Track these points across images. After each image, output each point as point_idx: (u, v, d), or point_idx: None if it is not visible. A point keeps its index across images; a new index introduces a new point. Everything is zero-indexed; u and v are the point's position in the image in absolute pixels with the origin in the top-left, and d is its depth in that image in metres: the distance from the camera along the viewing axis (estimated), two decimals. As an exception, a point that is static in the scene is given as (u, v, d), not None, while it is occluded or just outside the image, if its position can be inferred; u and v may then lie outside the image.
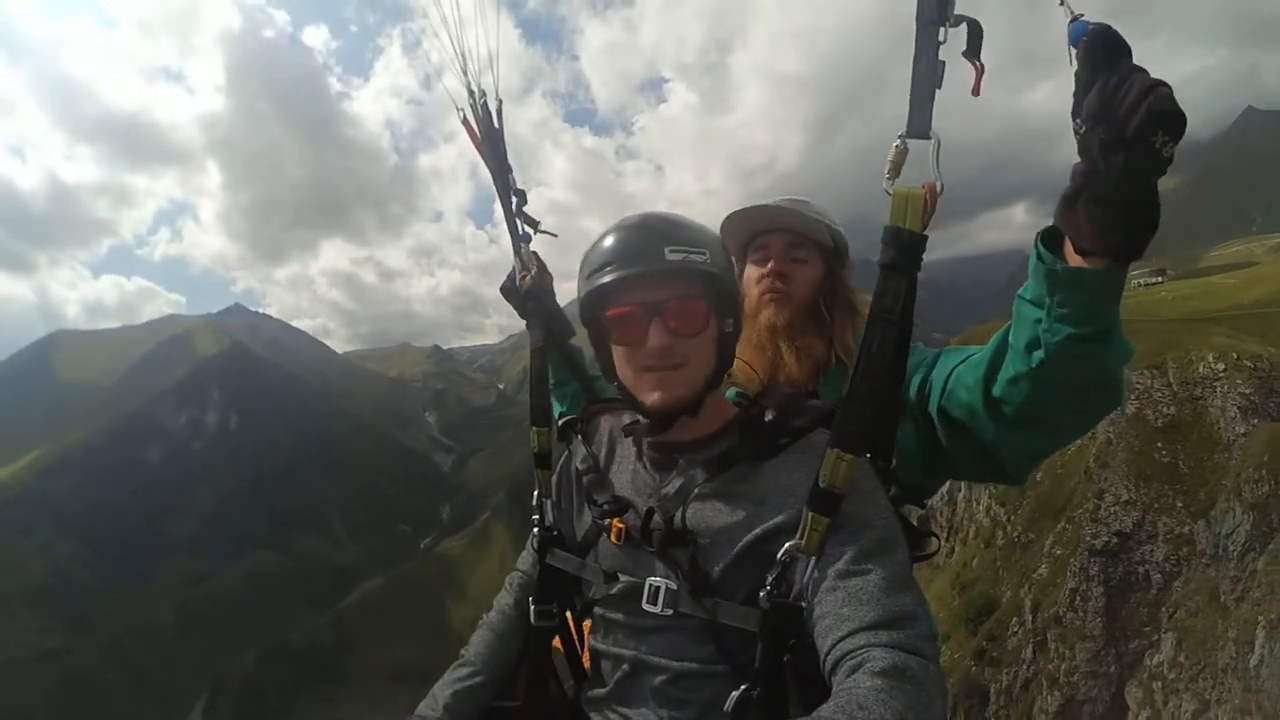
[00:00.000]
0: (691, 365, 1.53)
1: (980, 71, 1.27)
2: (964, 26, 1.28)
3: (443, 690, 1.81)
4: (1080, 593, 23.53)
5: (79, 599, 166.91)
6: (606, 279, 1.50)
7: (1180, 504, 23.29)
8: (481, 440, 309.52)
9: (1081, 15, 1.11)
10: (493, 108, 2.18)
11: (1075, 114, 1.12)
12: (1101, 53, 1.08)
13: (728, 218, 2.21)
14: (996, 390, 1.51)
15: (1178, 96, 1.04)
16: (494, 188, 2.20)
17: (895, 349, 1.39)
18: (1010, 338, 1.46)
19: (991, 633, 31.22)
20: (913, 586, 1.32)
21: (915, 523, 1.59)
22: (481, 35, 2.07)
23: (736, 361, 1.81)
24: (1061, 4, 1.13)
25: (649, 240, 1.51)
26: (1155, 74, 1.07)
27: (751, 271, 2.21)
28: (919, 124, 1.32)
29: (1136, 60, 1.09)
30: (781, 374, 2.03)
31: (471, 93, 2.16)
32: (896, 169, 1.37)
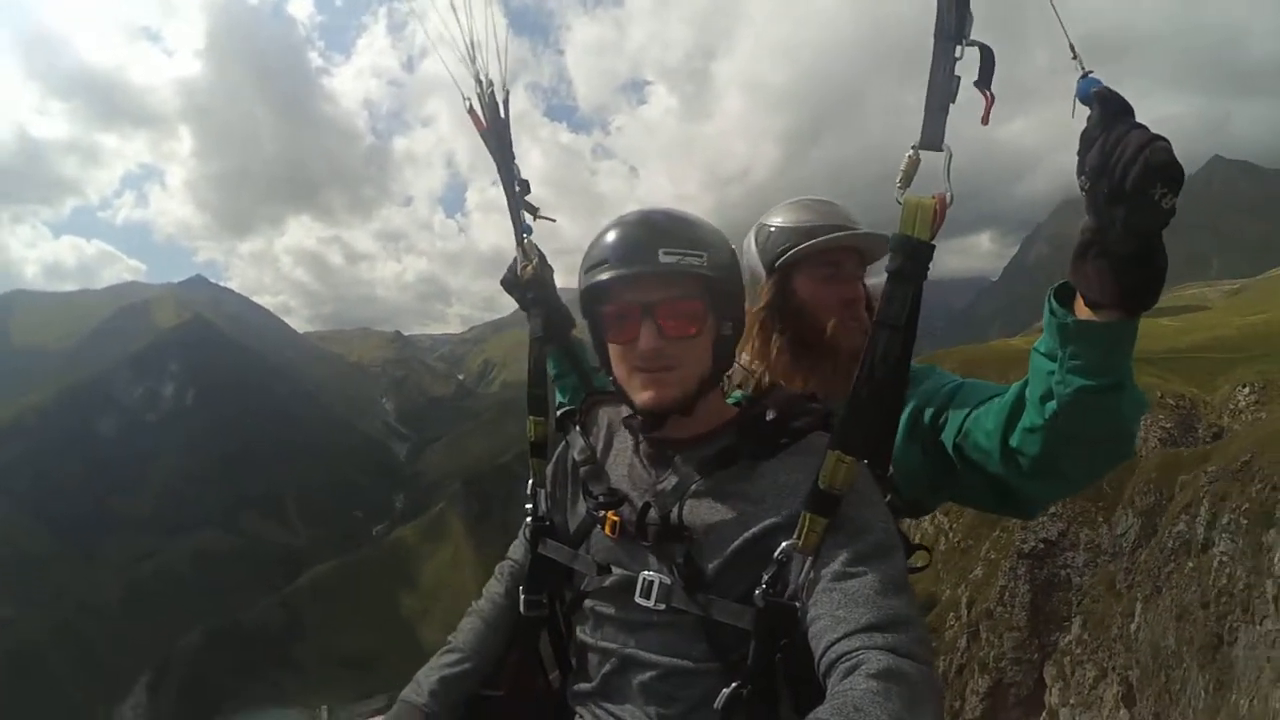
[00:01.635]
0: (683, 368, 1.49)
1: (990, 101, 1.27)
2: (976, 52, 1.27)
3: (428, 676, 1.76)
4: (1009, 590, 25.78)
5: (25, 569, 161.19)
6: (603, 276, 1.47)
7: (1101, 518, 25.85)
8: (439, 430, 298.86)
9: (1091, 72, 1.14)
10: (499, 98, 2.18)
11: (1080, 171, 1.13)
12: (1104, 112, 1.11)
13: (782, 230, 2.07)
14: (1014, 440, 1.50)
15: None
16: (498, 176, 2.23)
17: (899, 355, 1.39)
18: (1027, 391, 1.45)
19: (931, 625, 33.70)
20: (908, 590, 1.30)
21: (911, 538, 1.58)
22: (489, 27, 2.06)
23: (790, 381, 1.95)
24: (1074, 57, 1.15)
25: (645, 240, 1.47)
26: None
27: (824, 292, 2.05)
28: (932, 136, 1.34)
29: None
30: None
31: (479, 82, 2.16)
32: (908, 179, 1.37)
